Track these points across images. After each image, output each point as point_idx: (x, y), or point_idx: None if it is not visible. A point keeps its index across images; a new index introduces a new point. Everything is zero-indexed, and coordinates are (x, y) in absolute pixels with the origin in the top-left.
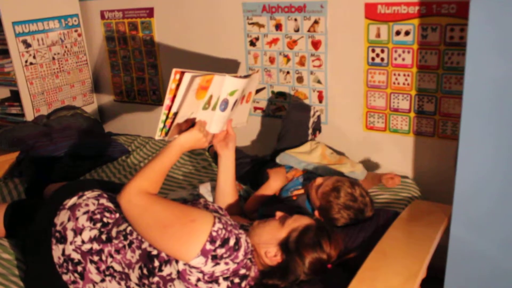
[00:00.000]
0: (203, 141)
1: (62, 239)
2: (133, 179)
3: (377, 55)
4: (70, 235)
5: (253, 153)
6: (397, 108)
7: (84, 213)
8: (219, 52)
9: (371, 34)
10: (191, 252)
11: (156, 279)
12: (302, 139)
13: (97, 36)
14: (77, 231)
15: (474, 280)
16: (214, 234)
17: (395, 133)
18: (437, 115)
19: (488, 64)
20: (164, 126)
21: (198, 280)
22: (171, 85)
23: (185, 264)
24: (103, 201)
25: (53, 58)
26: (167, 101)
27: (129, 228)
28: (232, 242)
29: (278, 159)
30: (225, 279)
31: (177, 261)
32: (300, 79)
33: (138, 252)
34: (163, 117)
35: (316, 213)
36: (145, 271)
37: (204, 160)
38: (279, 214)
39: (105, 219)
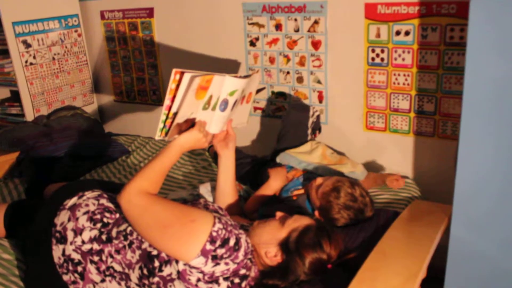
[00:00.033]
0: (203, 141)
1: (62, 239)
2: (133, 179)
3: (377, 55)
4: (70, 235)
5: (253, 153)
6: (397, 108)
7: (84, 213)
8: (219, 52)
9: (371, 34)
10: (191, 252)
11: (156, 279)
12: (301, 139)
13: (97, 36)
14: (77, 231)
15: (474, 280)
16: (214, 234)
17: (395, 133)
18: (437, 115)
19: (488, 64)
20: (164, 126)
21: (198, 280)
22: (171, 85)
23: (185, 264)
24: (103, 201)
25: (53, 58)
26: (167, 101)
27: (129, 228)
28: (232, 242)
29: (279, 159)
30: (225, 279)
31: (177, 261)
32: (300, 79)
33: (138, 252)
34: (163, 117)
35: (316, 213)
36: (145, 271)
37: (204, 160)
38: (279, 214)
39: (105, 219)
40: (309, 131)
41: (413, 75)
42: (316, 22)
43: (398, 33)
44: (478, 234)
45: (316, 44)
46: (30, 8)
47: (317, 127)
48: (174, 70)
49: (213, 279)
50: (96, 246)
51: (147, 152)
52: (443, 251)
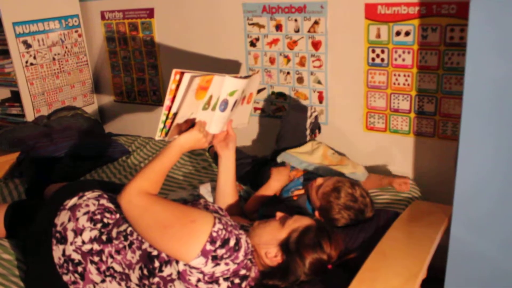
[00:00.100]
0: (203, 142)
1: (63, 240)
2: (133, 179)
3: (377, 55)
4: (70, 235)
5: (253, 154)
6: (397, 109)
7: (85, 213)
8: (220, 52)
9: (371, 35)
10: (191, 253)
11: (156, 279)
12: (300, 140)
13: (98, 36)
14: (78, 232)
15: (474, 281)
16: (214, 234)
17: (396, 134)
18: (437, 116)
19: (488, 65)
20: (164, 126)
21: (199, 280)
22: (171, 86)
23: (185, 265)
24: (104, 201)
25: (54, 59)
26: (167, 102)
27: (130, 228)
28: (232, 242)
29: (279, 159)
30: (226, 279)
31: (177, 262)
32: (300, 80)
33: (138, 252)
34: (163, 118)
35: (317, 213)
36: (145, 271)
37: (204, 160)
38: (279, 214)
39: (105, 220)
40: (308, 132)
41: (413, 75)
42: (316, 22)
43: (398, 33)
44: (478, 235)
45: (316, 45)
46: (30, 9)
47: (315, 128)
48: (174, 71)
49: (213, 280)
50: (96, 247)
51: (147, 152)
52: (443, 252)
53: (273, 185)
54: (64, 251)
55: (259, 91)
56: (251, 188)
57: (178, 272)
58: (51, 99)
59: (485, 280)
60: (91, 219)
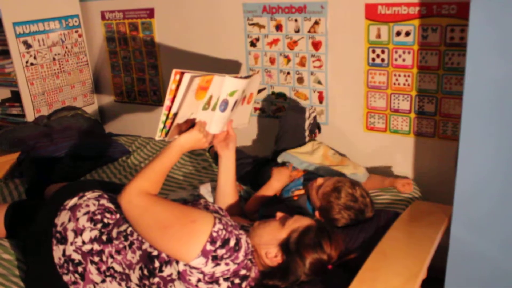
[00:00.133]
0: (203, 142)
1: (63, 240)
2: (133, 179)
3: (378, 55)
4: (70, 235)
5: (253, 154)
6: (398, 109)
7: (85, 213)
8: (220, 52)
9: (372, 35)
10: (191, 253)
11: (156, 279)
12: (299, 141)
13: (98, 36)
14: (78, 232)
15: (475, 281)
16: (214, 234)
17: (396, 134)
18: (437, 116)
19: (488, 65)
20: (164, 126)
21: (199, 280)
22: (171, 86)
23: (185, 265)
24: (104, 201)
25: (54, 59)
26: (167, 102)
27: (130, 228)
28: (232, 242)
29: (280, 159)
30: (226, 279)
31: (177, 262)
32: (300, 80)
33: (138, 252)
34: (163, 118)
35: (317, 213)
36: (145, 271)
37: (204, 160)
38: (279, 214)
39: (105, 220)
40: (307, 133)
41: (413, 75)
42: (316, 22)
43: (398, 33)
44: (479, 235)
45: (316, 45)
46: (30, 9)
47: (314, 128)
48: (174, 71)
49: (214, 280)
50: (96, 247)
51: (147, 152)
52: (443, 252)
53: (273, 185)
54: (64, 251)
55: (259, 91)
56: (252, 188)
57: (178, 272)
58: (51, 99)
59: (485, 280)
60: (91, 219)
